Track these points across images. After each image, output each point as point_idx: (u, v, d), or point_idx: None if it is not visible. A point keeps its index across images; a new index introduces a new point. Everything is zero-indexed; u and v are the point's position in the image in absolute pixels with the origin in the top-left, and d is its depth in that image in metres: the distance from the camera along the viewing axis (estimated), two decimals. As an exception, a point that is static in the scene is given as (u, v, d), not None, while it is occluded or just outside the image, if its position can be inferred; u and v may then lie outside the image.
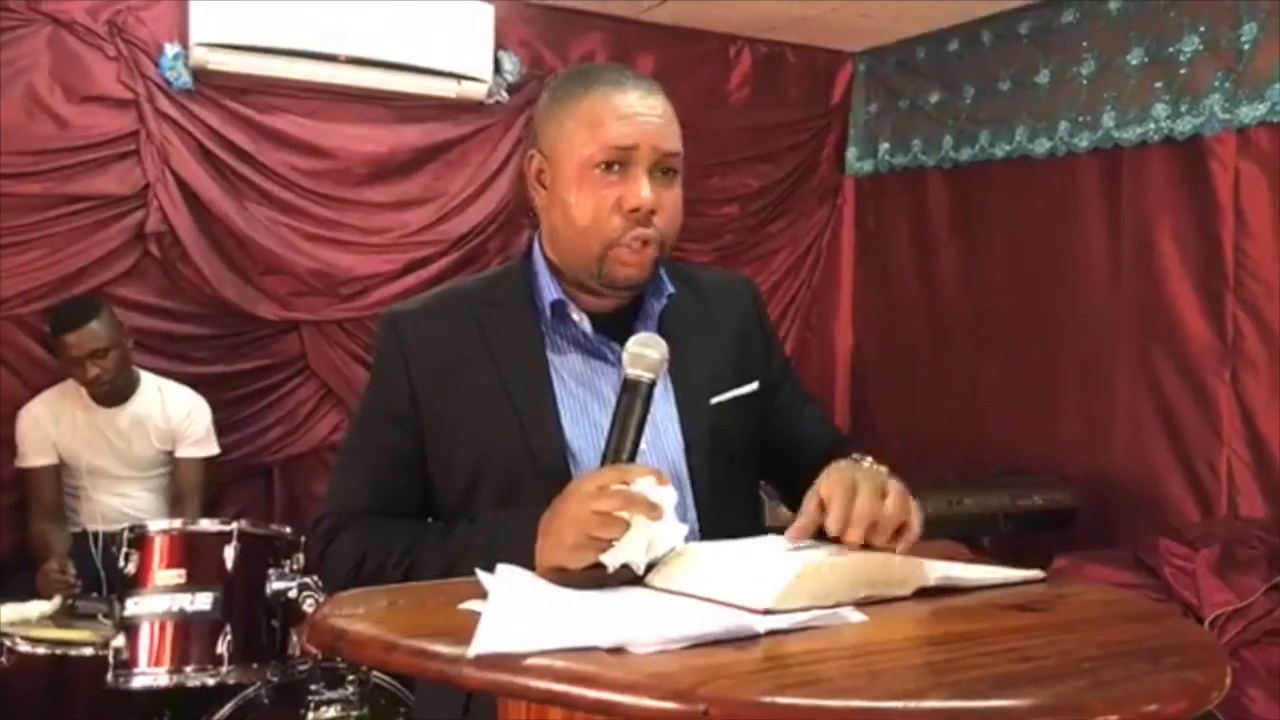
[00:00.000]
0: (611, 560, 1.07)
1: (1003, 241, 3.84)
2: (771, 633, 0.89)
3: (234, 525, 2.34)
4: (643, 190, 1.22)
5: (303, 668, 2.40)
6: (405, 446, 1.31)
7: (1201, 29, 3.13)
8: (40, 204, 3.14)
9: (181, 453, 3.14)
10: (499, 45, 3.69)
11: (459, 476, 1.30)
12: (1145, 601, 1.00)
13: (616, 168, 1.23)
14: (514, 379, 1.29)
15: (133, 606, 2.28)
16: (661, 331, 1.28)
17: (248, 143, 3.39)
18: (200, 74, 3.27)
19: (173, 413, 3.11)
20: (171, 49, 3.23)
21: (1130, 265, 3.39)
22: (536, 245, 1.37)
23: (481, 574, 1.00)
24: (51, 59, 3.14)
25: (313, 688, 2.36)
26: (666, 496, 1.09)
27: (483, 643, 0.85)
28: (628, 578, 1.08)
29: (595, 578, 1.07)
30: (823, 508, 1.11)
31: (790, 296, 4.42)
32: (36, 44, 3.12)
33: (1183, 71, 3.18)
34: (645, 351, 1.17)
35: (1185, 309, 3.22)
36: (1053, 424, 3.60)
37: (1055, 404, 3.60)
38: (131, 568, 2.30)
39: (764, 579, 1.01)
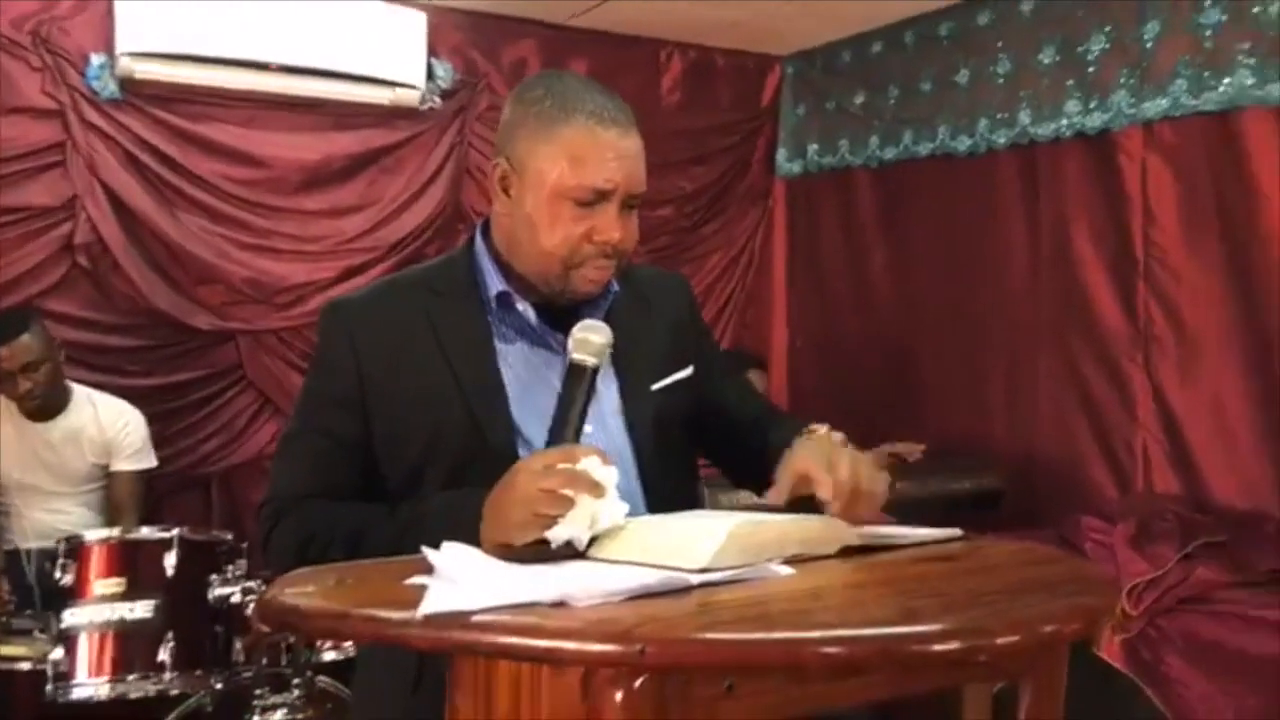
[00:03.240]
0: (556, 536, 1.12)
1: (929, 237, 3.96)
2: (704, 585, 0.94)
3: (174, 532, 2.34)
4: (614, 229, 1.28)
5: (247, 674, 2.39)
6: (350, 430, 1.33)
7: (1108, 28, 3.28)
8: (-36, 217, 3.10)
9: (117, 466, 3.09)
10: (432, 52, 3.71)
11: (407, 461, 1.33)
12: (1048, 549, 1.08)
13: (592, 202, 1.28)
14: (462, 366, 1.33)
15: (70, 618, 2.26)
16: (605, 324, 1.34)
17: (178, 152, 3.37)
18: (127, 83, 3.24)
19: (107, 425, 3.07)
20: (97, 59, 3.20)
21: (1049, 256, 3.52)
22: (479, 237, 1.41)
23: (427, 550, 1.04)
24: (-27, 70, 3.09)
25: (257, 693, 2.36)
26: (609, 475, 1.14)
27: (431, 604, 0.89)
28: (570, 554, 1.13)
29: (539, 553, 1.12)
30: (800, 479, 1.19)
31: (725, 297, 4.50)
32: (-43, 55, 3.08)
33: (1091, 69, 3.32)
34: (590, 337, 1.23)
35: (1100, 297, 3.36)
36: (980, 412, 3.72)
37: (982, 392, 3.73)
38: (68, 579, 2.28)
39: (698, 541, 1.06)
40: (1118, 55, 3.25)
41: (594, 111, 1.28)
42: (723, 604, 0.89)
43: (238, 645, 2.43)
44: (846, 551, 1.14)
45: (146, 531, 2.39)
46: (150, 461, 3.16)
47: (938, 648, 0.80)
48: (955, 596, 0.91)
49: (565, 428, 1.20)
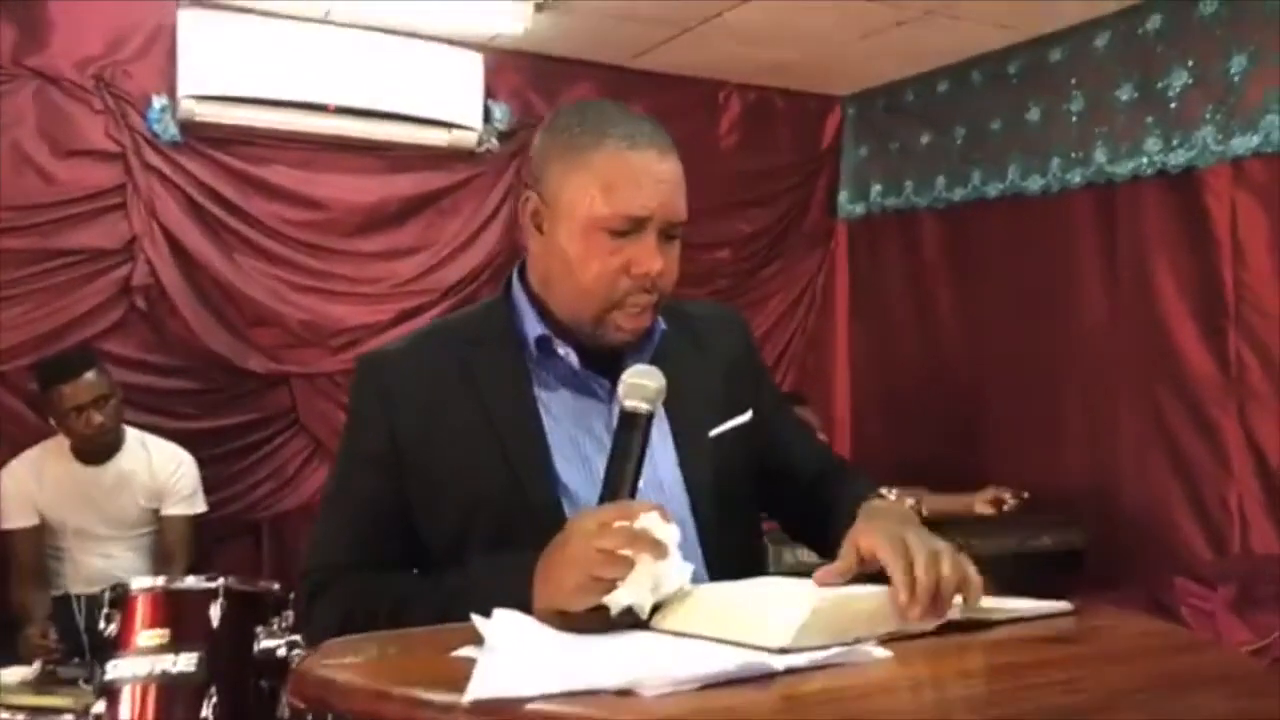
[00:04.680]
0: (615, 602, 1.01)
1: (999, 279, 3.81)
2: (789, 670, 0.82)
3: (219, 582, 2.24)
4: (653, 260, 1.18)
5: (293, 731, 2.29)
6: (388, 492, 1.24)
7: (1190, 63, 3.14)
8: (26, 259, 3.11)
9: (167, 510, 3.05)
10: (489, 94, 3.69)
11: (448, 523, 1.24)
12: (1185, 633, 0.94)
13: (627, 231, 1.18)
14: (501, 417, 1.24)
15: (113, 670, 2.16)
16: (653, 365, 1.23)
17: (236, 194, 3.37)
18: (188, 126, 3.25)
19: (159, 469, 3.03)
20: (159, 101, 3.21)
21: (1129, 300, 3.36)
22: (516, 280, 1.32)
23: (476, 618, 0.94)
24: (38, 114, 3.12)
25: (302, 752, 2.25)
26: (671, 534, 1.03)
27: (479, 688, 0.78)
28: (632, 621, 1.02)
29: (598, 621, 1.01)
30: (861, 559, 1.06)
31: (786, 340, 4.39)
32: (23, 99, 3.10)
33: (1173, 105, 3.18)
34: (643, 382, 1.12)
35: (1186, 343, 3.18)
36: (1057, 463, 3.54)
37: (1059, 442, 3.55)
38: (113, 629, 2.18)
39: (778, 616, 0.94)
40: (1202, 90, 3.10)
41: (626, 135, 1.18)
42: (811, 697, 0.77)
43: (284, 700, 2.33)
44: (944, 628, 1.01)
45: (192, 581, 2.29)
46: (201, 507, 3.11)
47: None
48: (1092, 693, 0.78)
49: (620, 482, 1.09)
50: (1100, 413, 3.43)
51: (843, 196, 4.44)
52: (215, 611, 2.22)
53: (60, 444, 2.95)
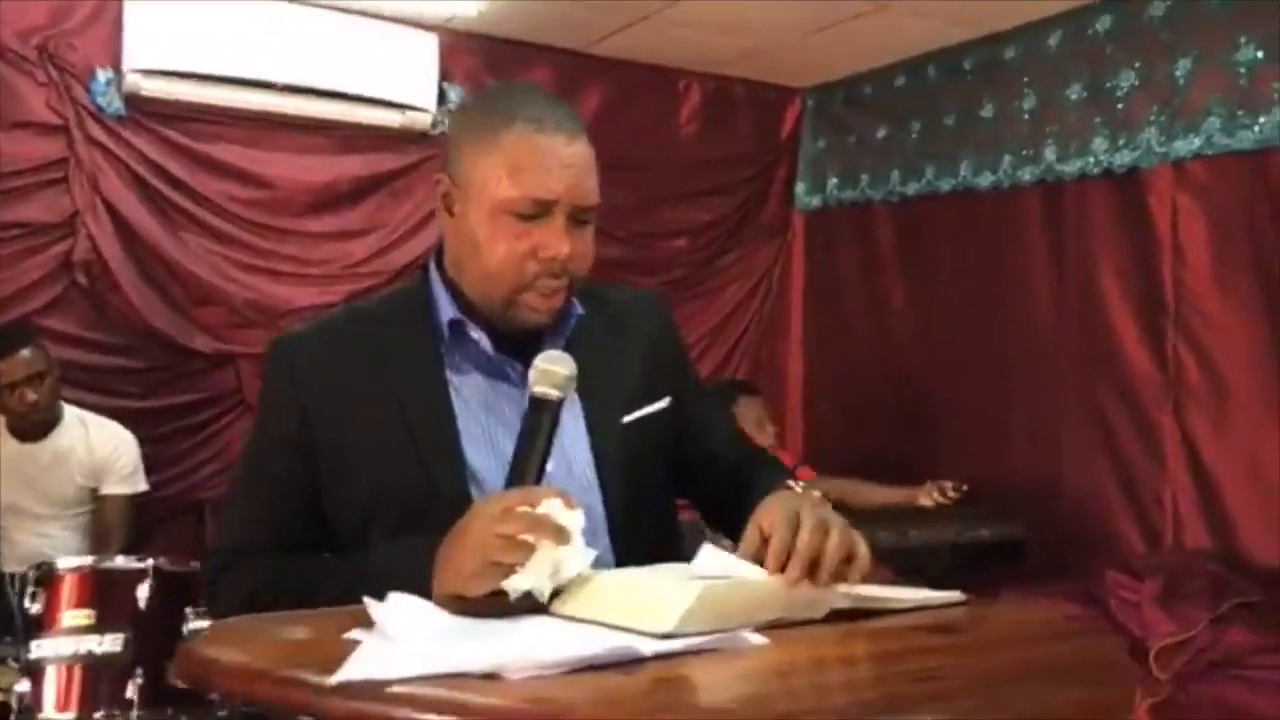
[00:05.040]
0: (514, 587, 1.01)
1: (950, 273, 3.84)
2: (662, 655, 0.83)
3: (148, 562, 2.24)
4: (561, 243, 1.18)
5: (221, 713, 2.28)
6: (296, 472, 1.23)
7: (1137, 64, 3.17)
8: (-38, 231, 3.05)
9: (106, 489, 3.02)
10: (444, 76, 3.66)
11: (356, 506, 1.23)
12: (1064, 621, 0.96)
13: (534, 215, 1.18)
14: (412, 402, 1.23)
15: (37, 649, 2.17)
16: (569, 351, 1.22)
17: (182, 170, 3.32)
18: (133, 100, 3.20)
19: (97, 447, 2.99)
20: (104, 74, 3.16)
21: (1073, 297, 3.40)
22: (433, 264, 1.31)
23: (368, 601, 0.94)
24: (-23, 84, 3.06)
25: (232, 734, 2.25)
26: (574, 520, 1.03)
27: (349, 670, 0.78)
28: (530, 606, 1.02)
29: (497, 606, 1.01)
30: (765, 538, 1.06)
31: (742, 329, 4.40)
32: (-39, 69, 3.05)
33: (1120, 106, 3.22)
34: (553, 368, 1.12)
35: (1127, 341, 3.23)
36: (1001, 456, 3.58)
37: (1004, 435, 3.59)
38: (38, 608, 2.19)
39: (664, 602, 0.95)
40: (1148, 92, 3.14)
41: (535, 118, 1.18)
42: (679, 682, 0.78)
43: (213, 682, 2.32)
44: (834, 616, 1.03)
45: (121, 561, 2.29)
46: (141, 485, 3.08)
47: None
48: (945, 680, 0.79)
49: (527, 467, 1.09)
50: (1044, 407, 3.47)
51: (800, 188, 4.45)
52: (143, 592, 2.22)
53: (-4, 421, 2.91)
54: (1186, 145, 3.04)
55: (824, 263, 4.41)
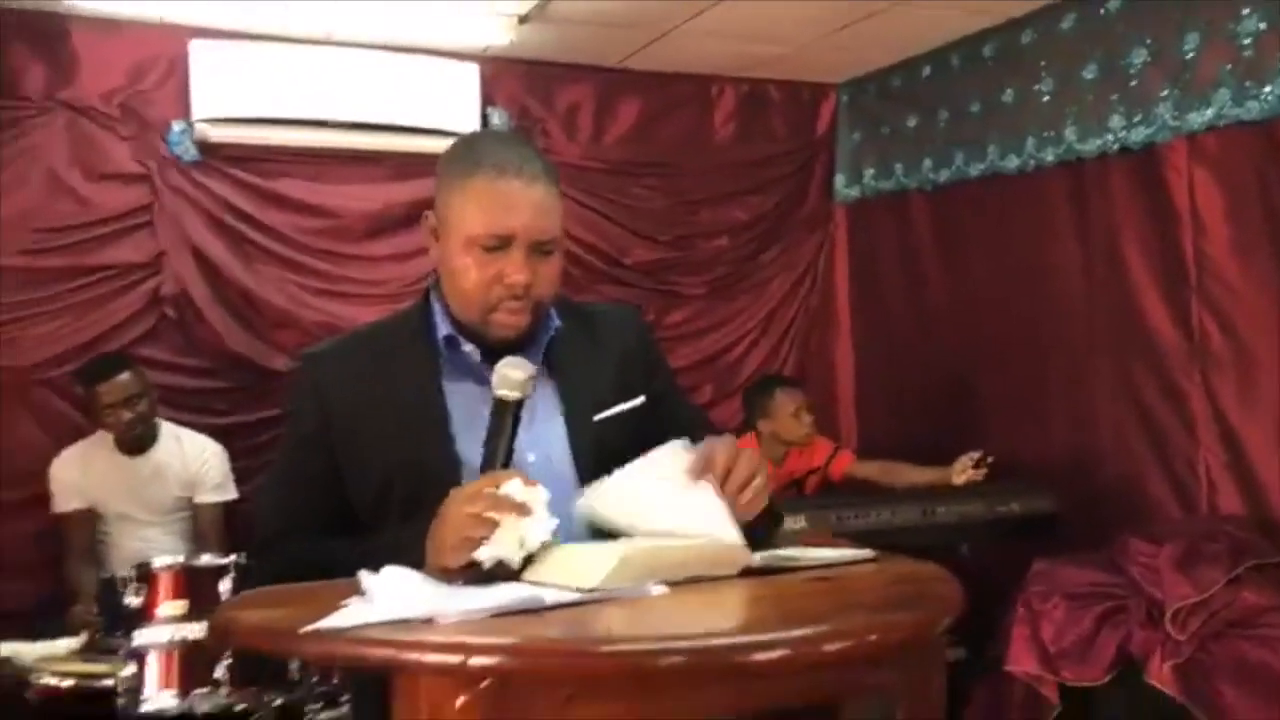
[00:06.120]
0: (485, 555, 1.22)
1: (984, 256, 3.93)
2: (564, 605, 1.03)
3: (230, 559, 2.54)
4: (519, 272, 1.39)
5: (301, 691, 2.56)
6: (320, 467, 1.47)
7: (1148, 40, 3.23)
8: (64, 275, 3.43)
9: (200, 498, 3.36)
10: (487, 101, 3.91)
11: (369, 494, 1.46)
12: (919, 568, 1.12)
13: (497, 248, 1.40)
14: (412, 404, 1.46)
15: (139, 637, 2.47)
16: (549, 359, 1.46)
17: (253, 207, 3.65)
18: (205, 147, 3.54)
19: (191, 460, 3.33)
20: (178, 125, 3.50)
21: (1101, 273, 3.46)
22: (432, 287, 1.54)
23: (362, 574, 1.17)
24: (70, 142, 3.43)
25: (309, 709, 2.53)
26: (534, 495, 1.24)
27: (322, 623, 1.01)
28: (504, 573, 1.23)
29: (476, 576, 1.23)
30: (706, 464, 1.30)
31: (788, 321, 4.55)
32: (56, 130, 3.42)
33: (1134, 83, 3.27)
34: (510, 373, 1.34)
35: (1154, 313, 3.29)
36: (1038, 431, 3.66)
37: (1040, 411, 3.67)
38: (139, 601, 2.50)
39: (596, 563, 1.15)
40: (1159, 68, 3.19)
41: (497, 164, 1.39)
42: (578, 620, 0.98)
43: (293, 664, 2.60)
44: (748, 572, 1.21)
45: (206, 559, 2.59)
46: (231, 494, 3.41)
47: (757, 657, 0.87)
48: (804, 613, 0.98)
49: (493, 458, 1.31)
50: (1076, 381, 3.54)
51: (839, 180, 4.58)
52: (226, 585, 2.52)
53: (104, 438, 3.27)
54: (1199, 118, 3.08)
55: (866, 252, 4.53)
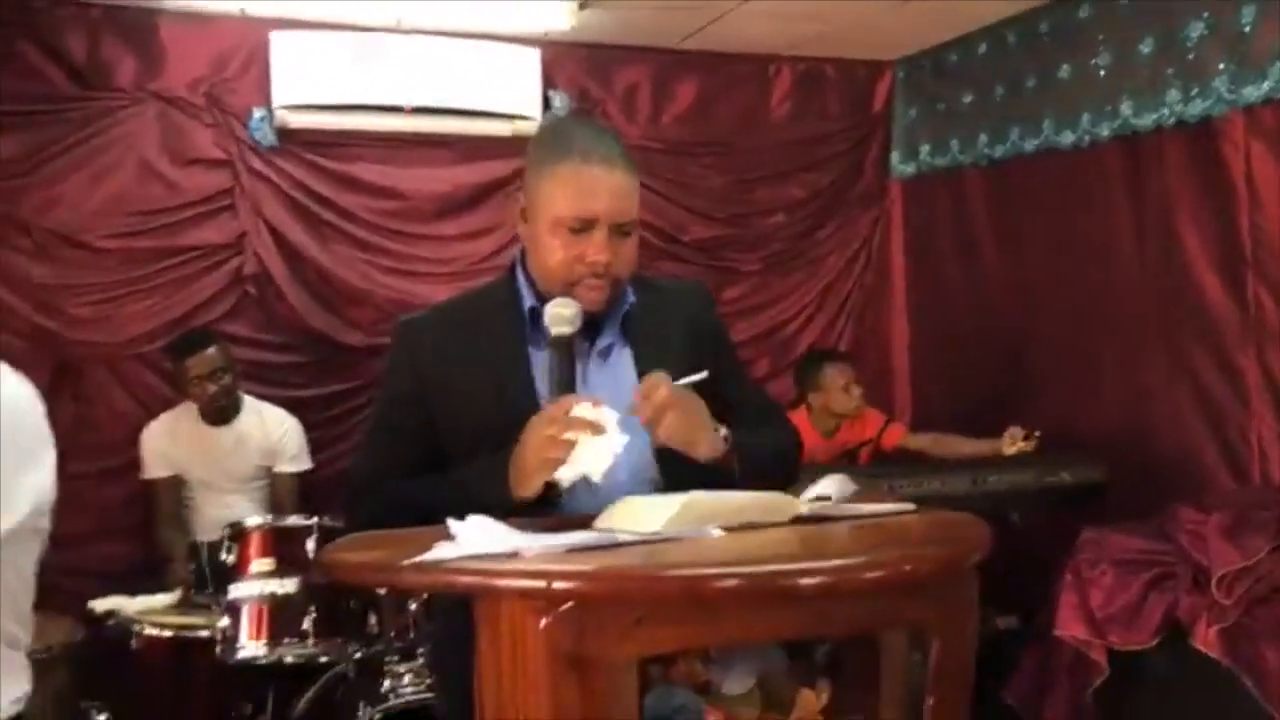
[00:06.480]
0: (566, 474, 1.36)
1: (1039, 231, 3.96)
2: (642, 543, 1.16)
3: (314, 520, 2.72)
4: (601, 253, 1.52)
5: (380, 644, 2.74)
6: (413, 422, 1.61)
7: (1205, 14, 3.23)
8: (154, 256, 3.64)
9: (279, 468, 3.55)
10: (549, 84, 4.03)
11: (463, 440, 1.60)
12: (953, 516, 1.23)
13: (581, 229, 1.52)
14: (500, 369, 1.60)
15: (234, 591, 2.67)
16: (624, 330, 1.61)
17: (329, 190, 3.83)
18: (284, 133, 3.72)
19: (270, 431, 3.53)
20: (258, 113, 3.69)
21: (1156, 247, 3.48)
22: (518, 260, 1.67)
23: (450, 521, 1.31)
24: (159, 130, 3.63)
25: (388, 660, 2.71)
26: (605, 414, 1.37)
27: (419, 557, 1.15)
28: (580, 524, 1.35)
29: (553, 516, 1.36)
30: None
31: (844, 297, 4.62)
32: (147, 119, 3.62)
33: (1190, 56, 3.28)
34: (562, 310, 1.50)
35: (1209, 287, 3.31)
36: (1092, 404, 3.70)
37: (1094, 384, 3.71)
38: (232, 558, 2.69)
39: (659, 510, 1.28)
40: (1216, 41, 3.20)
41: (582, 151, 1.52)
42: (647, 552, 1.11)
43: (372, 619, 2.78)
44: (799, 520, 1.33)
45: (293, 519, 2.78)
46: (306, 464, 3.60)
47: (803, 581, 0.99)
48: (847, 548, 1.09)
49: (560, 387, 1.45)
50: (1131, 354, 3.57)
51: (894, 157, 4.62)
52: (312, 544, 2.71)
53: (190, 409, 3.48)
54: (1255, 91, 3.09)
55: (922, 228, 4.58)
